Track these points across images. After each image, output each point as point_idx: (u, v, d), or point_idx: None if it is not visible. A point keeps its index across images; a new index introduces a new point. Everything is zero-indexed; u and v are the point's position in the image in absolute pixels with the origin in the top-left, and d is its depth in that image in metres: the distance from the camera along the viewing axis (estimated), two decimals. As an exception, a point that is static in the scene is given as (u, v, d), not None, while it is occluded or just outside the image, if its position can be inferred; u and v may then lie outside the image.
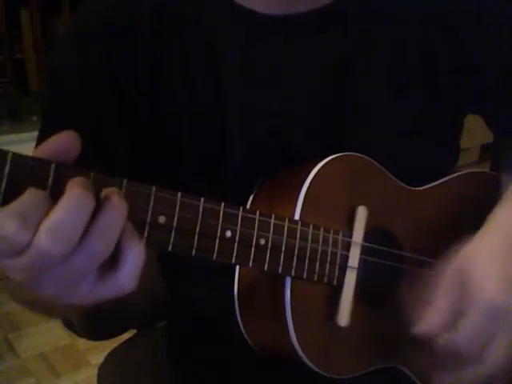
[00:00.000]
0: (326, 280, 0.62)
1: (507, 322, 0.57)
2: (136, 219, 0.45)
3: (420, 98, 0.70)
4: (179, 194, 0.49)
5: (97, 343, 1.18)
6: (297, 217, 0.60)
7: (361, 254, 0.64)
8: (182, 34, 0.65)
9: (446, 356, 0.59)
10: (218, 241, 0.53)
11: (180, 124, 0.66)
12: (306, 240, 0.60)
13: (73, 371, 1.83)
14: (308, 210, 0.61)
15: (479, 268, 0.58)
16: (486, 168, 0.85)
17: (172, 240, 0.49)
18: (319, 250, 0.61)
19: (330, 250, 0.62)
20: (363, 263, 0.65)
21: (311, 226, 0.60)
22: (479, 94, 0.72)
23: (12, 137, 2.23)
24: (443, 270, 0.60)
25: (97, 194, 0.41)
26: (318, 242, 0.61)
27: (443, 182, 0.74)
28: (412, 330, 0.59)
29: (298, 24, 0.65)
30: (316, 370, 0.63)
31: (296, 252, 0.59)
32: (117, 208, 0.41)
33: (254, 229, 0.56)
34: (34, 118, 2.35)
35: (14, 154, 0.40)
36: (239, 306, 0.63)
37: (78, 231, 0.40)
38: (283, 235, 0.58)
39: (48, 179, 0.41)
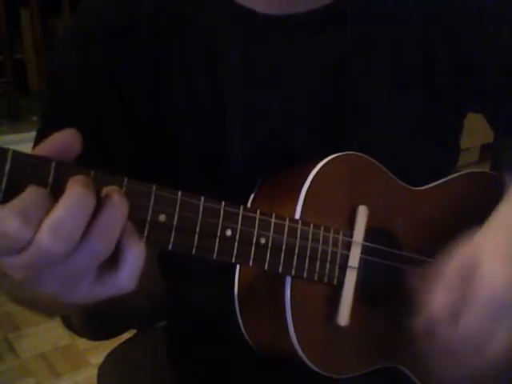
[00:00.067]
0: (326, 280, 0.62)
1: (509, 318, 0.57)
2: (136, 218, 0.45)
3: (420, 98, 0.70)
4: (179, 192, 0.49)
5: (97, 343, 1.18)
6: (297, 216, 0.60)
7: (361, 253, 0.64)
8: (182, 34, 0.65)
9: (444, 352, 0.59)
10: (218, 240, 0.53)
11: (180, 124, 0.66)
12: (307, 239, 0.60)
13: (73, 371, 1.83)
14: (308, 209, 0.61)
15: (484, 263, 0.58)
16: (486, 168, 0.85)
17: (172, 239, 0.49)
18: (319, 249, 0.61)
19: (330, 249, 0.62)
20: (363, 263, 0.65)
21: (312, 225, 0.60)
22: (479, 94, 0.73)
23: (12, 137, 2.23)
24: (445, 262, 0.60)
25: (97, 193, 0.41)
26: (319, 241, 0.61)
27: (443, 182, 0.74)
28: (412, 323, 0.59)
29: (298, 24, 0.65)
30: (316, 369, 0.63)
31: (296, 251, 0.59)
32: (117, 206, 0.41)
33: (254, 228, 0.56)
34: (34, 118, 2.35)
35: (15, 152, 0.40)
36: (239, 306, 0.63)
37: (79, 230, 0.40)
38: (283, 234, 0.58)
39: (48, 177, 0.41)
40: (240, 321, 0.64)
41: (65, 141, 0.42)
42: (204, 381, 0.78)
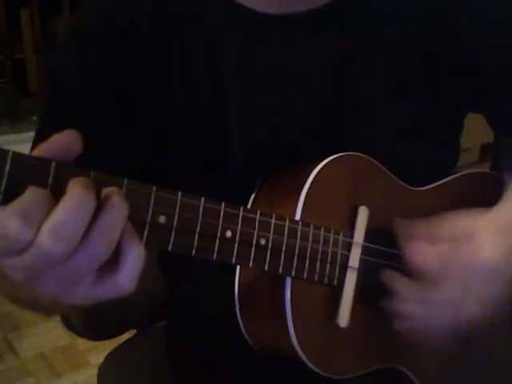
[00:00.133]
0: (326, 280, 0.62)
1: (479, 290, 0.61)
2: (136, 219, 0.45)
3: (420, 98, 0.70)
4: (179, 193, 0.49)
5: (97, 343, 1.18)
6: (297, 217, 0.60)
7: (361, 254, 0.64)
8: (182, 34, 0.65)
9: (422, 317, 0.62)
10: (218, 241, 0.53)
11: (180, 124, 0.66)
12: (307, 240, 0.60)
13: (73, 371, 1.83)
14: (309, 210, 0.61)
15: (478, 236, 0.61)
16: (486, 168, 0.85)
17: (172, 240, 0.49)
18: (320, 250, 0.61)
19: (330, 250, 0.62)
20: (364, 263, 0.65)
21: (312, 226, 0.60)
22: (479, 93, 0.72)
23: (12, 137, 2.23)
24: (442, 223, 0.63)
25: (97, 194, 0.41)
26: (319, 242, 0.61)
27: (444, 183, 0.74)
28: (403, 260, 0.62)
29: (298, 23, 0.65)
30: (316, 370, 0.63)
31: (296, 252, 0.59)
32: (118, 208, 0.41)
33: (254, 229, 0.56)
34: (34, 118, 2.35)
35: (15, 153, 0.40)
36: (239, 306, 0.63)
37: (80, 231, 0.39)
38: (284, 235, 0.58)
39: (48, 178, 0.41)
40: (240, 321, 0.64)
41: (65, 142, 0.42)
42: (204, 381, 0.78)
